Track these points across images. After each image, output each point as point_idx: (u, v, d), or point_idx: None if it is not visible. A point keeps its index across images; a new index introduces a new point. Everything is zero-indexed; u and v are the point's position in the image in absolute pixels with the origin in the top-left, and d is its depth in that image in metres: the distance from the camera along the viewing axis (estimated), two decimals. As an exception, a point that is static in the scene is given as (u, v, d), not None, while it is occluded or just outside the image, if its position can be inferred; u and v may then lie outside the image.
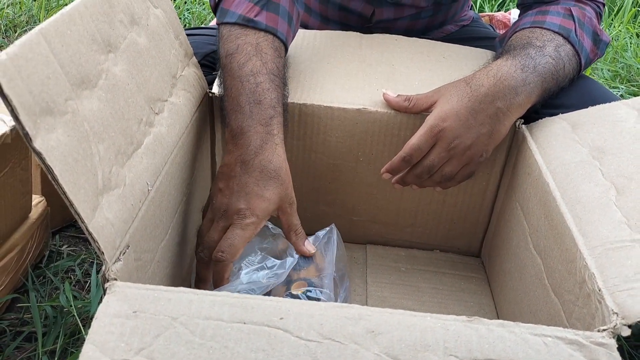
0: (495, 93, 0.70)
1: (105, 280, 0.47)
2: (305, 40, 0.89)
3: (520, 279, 0.73)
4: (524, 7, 0.89)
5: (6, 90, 0.41)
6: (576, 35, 0.78)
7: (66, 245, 0.94)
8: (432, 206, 0.85)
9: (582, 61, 0.79)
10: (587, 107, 0.74)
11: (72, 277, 0.88)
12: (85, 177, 0.47)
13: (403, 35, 0.94)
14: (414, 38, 0.93)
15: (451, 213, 0.86)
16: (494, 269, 0.85)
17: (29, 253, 0.84)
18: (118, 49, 0.58)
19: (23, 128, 0.42)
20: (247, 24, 0.76)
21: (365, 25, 1.00)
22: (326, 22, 1.03)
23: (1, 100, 0.42)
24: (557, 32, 0.78)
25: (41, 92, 0.45)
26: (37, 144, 0.43)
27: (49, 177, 0.44)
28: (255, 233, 0.67)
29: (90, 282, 0.85)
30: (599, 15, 0.85)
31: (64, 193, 0.44)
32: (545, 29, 0.78)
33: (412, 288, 0.84)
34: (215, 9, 0.82)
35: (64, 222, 0.97)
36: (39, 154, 0.43)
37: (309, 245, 0.73)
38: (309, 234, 0.75)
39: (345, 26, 1.01)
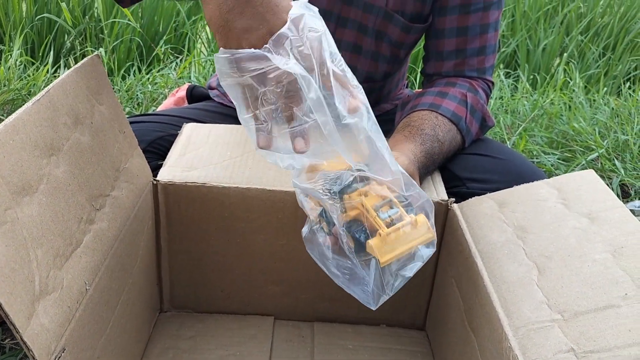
0: None
1: (40, 387, 0.47)
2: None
3: (459, 354, 0.75)
4: (426, 76, 1.01)
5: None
6: (465, 122, 0.91)
7: (9, 339, 0.92)
8: (375, 282, 0.88)
9: (466, 143, 0.93)
10: (514, 183, 0.80)
11: (13, 370, 0.86)
12: (22, 285, 0.48)
13: None
14: None
15: (394, 288, 0.89)
16: (436, 343, 0.87)
17: (-32, 348, 0.82)
18: (60, 151, 0.60)
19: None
20: None
21: None
22: None
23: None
24: (449, 119, 0.90)
25: (-22, 205, 0.46)
26: (-28, 257, 0.44)
27: (-16, 288, 0.45)
28: None
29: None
30: (488, 96, 0.98)
31: (0, 305, 0.45)
32: (440, 114, 0.89)
33: (359, 366, 0.85)
34: None
35: (7, 311, 0.95)
36: (-26, 268, 0.44)
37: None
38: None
39: None
